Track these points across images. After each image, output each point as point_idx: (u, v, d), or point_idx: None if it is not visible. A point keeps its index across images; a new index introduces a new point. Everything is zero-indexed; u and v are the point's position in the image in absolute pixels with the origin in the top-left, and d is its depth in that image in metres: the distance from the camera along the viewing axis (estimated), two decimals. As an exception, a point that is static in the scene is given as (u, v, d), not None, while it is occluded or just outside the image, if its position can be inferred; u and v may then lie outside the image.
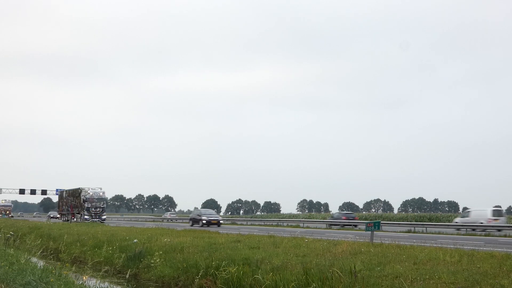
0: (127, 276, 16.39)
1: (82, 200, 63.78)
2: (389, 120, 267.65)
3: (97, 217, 62.60)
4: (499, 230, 36.21)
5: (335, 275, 12.07)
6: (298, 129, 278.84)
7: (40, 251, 19.50)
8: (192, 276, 16.06)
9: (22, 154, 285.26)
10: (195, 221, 53.16)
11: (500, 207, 56.08)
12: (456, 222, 41.99)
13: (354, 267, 12.21)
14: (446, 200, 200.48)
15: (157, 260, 18.61)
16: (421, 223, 45.90)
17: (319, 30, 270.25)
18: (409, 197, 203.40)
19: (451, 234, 33.19)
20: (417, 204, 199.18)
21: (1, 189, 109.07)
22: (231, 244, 20.69)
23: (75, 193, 67.60)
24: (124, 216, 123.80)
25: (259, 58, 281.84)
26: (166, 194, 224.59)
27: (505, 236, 32.09)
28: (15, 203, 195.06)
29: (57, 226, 41.01)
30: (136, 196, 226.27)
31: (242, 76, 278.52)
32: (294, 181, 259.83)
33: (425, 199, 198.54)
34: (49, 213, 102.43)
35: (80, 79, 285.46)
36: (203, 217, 51.55)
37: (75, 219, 66.21)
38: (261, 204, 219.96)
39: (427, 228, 39.12)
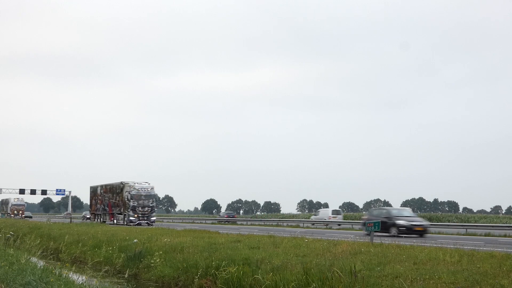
0: (127, 276, 16.40)
1: (126, 197, 51.80)
2: (389, 120, 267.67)
3: (145, 218, 50.71)
4: (339, 225, 52.54)
5: (335, 275, 12.07)
6: (299, 129, 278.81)
7: (40, 251, 19.50)
8: (192, 276, 16.06)
9: (22, 154, 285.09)
10: (384, 226, 28.07)
11: (339, 209, 67.28)
12: (312, 219, 59.92)
13: (354, 267, 12.21)
14: (446, 200, 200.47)
15: (157, 260, 18.61)
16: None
17: (321, 30, 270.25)
18: (409, 197, 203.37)
19: (451, 234, 33.21)
20: (417, 204, 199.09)
21: (1, 189, 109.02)
22: (231, 244, 20.69)
23: (115, 189, 55.50)
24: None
25: (260, 58, 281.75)
26: (166, 194, 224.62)
27: (505, 236, 32.10)
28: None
29: (57, 226, 40.99)
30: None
31: (243, 76, 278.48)
32: (294, 181, 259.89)
33: (425, 199, 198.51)
34: (84, 213, 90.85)
35: (81, 79, 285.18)
36: (400, 221, 30.82)
37: (114, 220, 54.74)
38: (261, 204, 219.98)
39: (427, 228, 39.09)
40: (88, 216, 74.37)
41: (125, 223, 50.20)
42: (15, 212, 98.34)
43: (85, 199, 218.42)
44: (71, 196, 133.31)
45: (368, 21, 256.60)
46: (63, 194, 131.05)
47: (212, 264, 16.04)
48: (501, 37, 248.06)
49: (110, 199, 56.66)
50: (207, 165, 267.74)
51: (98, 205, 61.17)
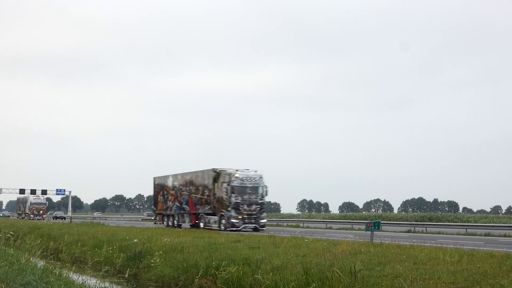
0: (127, 276, 16.41)
1: (224, 191, 35.99)
2: (389, 121, 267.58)
3: (253, 220, 35.76)
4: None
5: (335, 275, 12.08)
6: (299, 129, 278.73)
7: (40, 251, 19.50)
8: (192, 276, 16.07)
9: (22, 154, 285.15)
10: None
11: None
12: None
13: (354, 267, 12.22)
14: (446, 200, 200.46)
15: (157, 260, 18.61)
16: (421, 223, 45.89)
17: (323, 31, 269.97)
18: (409, 197, 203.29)
19: (451, 234, 33.21)
20: (417, 204, 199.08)
21: (1, 189, 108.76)
22: (231, 244, 20.70)
23: (203, 179, 39.06)
24: (124, 216, 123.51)
25: (262, 59, 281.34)
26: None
27: (505, 236, 32.10)
28: (15, 203, 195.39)
29: (57, 226, 41.00)
30: (136, 196, 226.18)
31: (246, 77, 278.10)
32: (294, 181, 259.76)
33: (425, 199, 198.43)
34: (146, 214, 75.96)
35: (82, 79, 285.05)
36: None
37: (201, 224, 38.21)
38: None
39: (427, 228, 39.12)
40: (152, 217, 56.11)
41: (224, 227, 34.95)
42: (35, 212, 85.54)
43: (85, 199, 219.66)
44: (71, 196, 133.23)
45: (370, 22, 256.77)
46: (63, 194, 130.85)
47: (212, 264, 16.05)
48: (502, 37, 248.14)
49: (193, 194, 40.29)
50: (208, 165, 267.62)
51: (170, 203, 43.89)
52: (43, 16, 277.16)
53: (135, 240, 24.18)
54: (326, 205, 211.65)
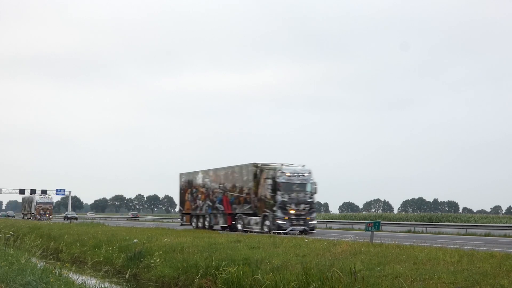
0: (127, 276, 16.40)
1: (268, 188, 31.61)
2: (389, 121, 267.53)
3: (302, 222, 31.65)
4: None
5: (335, 275, 12.07)
6: (299, 129, 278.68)
7: (40, 251, 19.49)
8: (192, 276, 16.07)
9: (22, 154, 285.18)
10: None
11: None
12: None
13: (354, 267, 12.21)
14: (446, 200, 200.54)
15: (157, 260, 18.62)
16: (421, 223, 45.91)
17: (323, 31, 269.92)
18: (409, 197, 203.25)
19: (451, 234, 33.22)
20: (417, 204, 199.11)
21: (1, 189, 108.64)
22: (231, 244, 20.70)
23: (241, 175, 34.63)
24: (124, 216, 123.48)
25: (263, 59, 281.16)
26: (166, 194, 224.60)
27: (505, 236, 32.11)
28: (15, 203, 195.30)
29: (57, 226, 40.99)
30: (136, 196, 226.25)
31: (246, 77, 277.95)
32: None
33: (425, 199, 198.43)
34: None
35: (82, 79, 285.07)
36: None
37: (238, 225, 34.19)
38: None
39: (427, 228, 39.14)
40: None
41: (268, 230, 30.69)
42: (41, 211, 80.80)
43: (85, 199, 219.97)
44: (71, 196, 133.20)
45: (370, 22, 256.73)
46: (63, 194, 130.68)
47: (212, 264, 16.05)
48: (502, 37, 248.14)
49: (228, 192, 35.83)
50: (208, 165, 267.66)
51: (200, 202, 39.19)
52: (43, 16, 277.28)
53: (135, 240, 24.18)
54: (326, 205, 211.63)
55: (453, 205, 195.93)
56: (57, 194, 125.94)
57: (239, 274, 14.48)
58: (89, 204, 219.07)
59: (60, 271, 14.47)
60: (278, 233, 28.54)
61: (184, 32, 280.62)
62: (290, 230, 30.73)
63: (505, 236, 32.10)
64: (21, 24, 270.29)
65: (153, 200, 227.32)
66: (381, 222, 33.37)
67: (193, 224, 39.81)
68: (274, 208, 31.16)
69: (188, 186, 41.23)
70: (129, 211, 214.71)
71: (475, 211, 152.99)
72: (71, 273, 15.25)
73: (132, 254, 20.60)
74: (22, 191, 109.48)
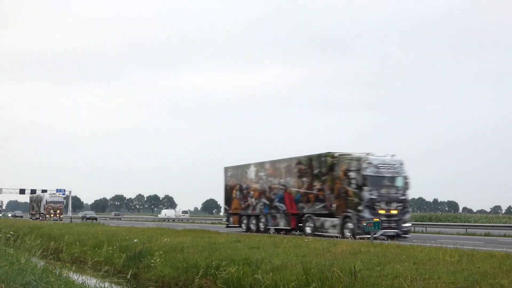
0: (128, 276, 16.41)
1: (353, 183, 26.39)
2: (390, 121, 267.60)
3: (394, 224, 26.19)
4: (188, 220, 71.17)
5: (335, 275, 12.08)
6: (301, 129, 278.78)
7: (40, 251, 19.52)
8: (192, 276, 16.08)
9: (22, 154, 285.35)
10: None
11: (187, 210, 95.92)
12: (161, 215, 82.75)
13: (354, 267, 12.22)
14: (446, 200, 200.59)
15: (157, 260, 18.63)
16: (421, 223, 45.86)
17: (327, 31, 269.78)
18: (409, 196, 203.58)
19: (451, 234, 33.23)
20: (416, 204, 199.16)
21: (1, 189, 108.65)
22: (231, 244, 20.70)
23: (312, 166, 29.21)
24: (124, 216, 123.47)
25: (266, 59, 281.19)
26: (166, 194, 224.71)
27: (505, 236, 32.13)
28: (15, 203, 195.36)
29: (57, 226, 41.00)
30: (136, 196, 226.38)
31: (249, 77, 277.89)
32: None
33: (424, 199, 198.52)
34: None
35: (83, 79, 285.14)
36: None
37: (307, 228, 28.76)
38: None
39: (427, 228, 39.14)
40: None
41: (351, 233, 25.66)
42: (51, 211, 75.36)
43: (85, 199, 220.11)
44: (71, 196, 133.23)
45: (372, 22, 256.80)
46: (63, 194, 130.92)
47: (212, 264, 16.06)
48: (503, 37, 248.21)
49: (291, 188, 30.57)
50: (208, 165, 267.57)
51: (253, 200, 33.95)
52: (44, 16, 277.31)
53: (135, 240, 24.19)
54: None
55: (453, 205, 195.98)
56: (57, 193, 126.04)
57: (239, 274, 14.49)
58: (89, 204, 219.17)
59: (60, 271, 14.49)
60: (364, 238, 23.34)
61: (186, 32, 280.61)
62: (380, 234, 24.62)
63: (505, 236, 32.11)
64: (21, 24, 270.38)
65: (153, 200, 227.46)
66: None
67: (243, 225, 34.74)
68: (360, 208, 25.80)
69: (236, 181, 35.87)
70: (129, 211, 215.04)
71: (475, 211, 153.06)
72: (71, 273, 15.28)
73: (132, 254, 20.61)
74: (22, 191, 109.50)
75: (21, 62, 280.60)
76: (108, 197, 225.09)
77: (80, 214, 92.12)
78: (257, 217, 33.31)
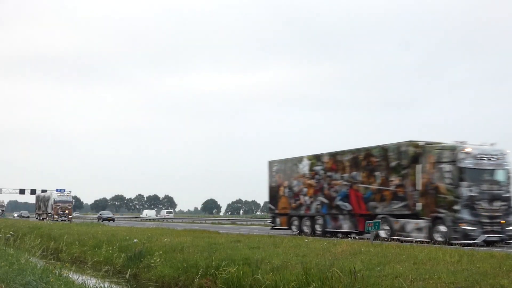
0: (128, 276, 16.41)
1: (447, 177, 22.61)
2: (391, 121, 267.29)
3: (499, 227, 22.19)
4: (172, 220, 75.79)
5: (335, 275, 12.08)
6: (302, 129, 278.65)
7: (40, 251, 19.51)
8: (192, 276, 16.07)
9: (22, 154, 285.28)
10: None
11: (171, 211, 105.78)
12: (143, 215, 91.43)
13: (354, 267, 12.22)
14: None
15: (157, 260, 18.61)
16: None
17: (329, 31, 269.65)
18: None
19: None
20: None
21: (1, 189, 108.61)
22: (231, 244, 20.70)
23: (388, 157, 25.49)
24: (124, 216, 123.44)
25: (268, 59, 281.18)
26: (166, 194, 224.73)
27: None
28: (15, 203, 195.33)
29: (57, 226, 41.01)
30: (136, 196, 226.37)
31: (250, 77, 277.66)
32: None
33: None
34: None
35: (84, 79, 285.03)
36: None
37: (382, 232, 24.57)
38: (261, 204, 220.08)
39: None
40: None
41: (445, 239, 22.09)
42: (59, 211, 71.37)
43: (86, 199, 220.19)
44: (71, 196, 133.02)
45: (373, 22, 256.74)
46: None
47: (212, 264, 16.05)
48: (504, 37, 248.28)
49: (359, 184, 26.83)
50: (208, 165, 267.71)
51: (307, 198, 29.88)
52: (45, 16, 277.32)
53: (135, 240, 24.18)
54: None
55: None
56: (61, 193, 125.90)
57: (239, 274, 14.48)
58: (89, 204, 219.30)
59: (60, 271, 14.48)
60: (463, 244, 20.29)
61: (188, 32, 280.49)
62: (483, 240, 21.55)
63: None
64: (21, 24, 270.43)
65: (153, 200, 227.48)
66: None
67: (294, 228, 30.45)
68: (456, 207, 21.95)
69: (284, 177, 31.77)
70: (129, 211, 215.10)
71: None
72: (71, 273, 15.27)
73: (132, 254, 20.61)
74: (22, 191, 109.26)
75: (21, 62, 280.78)
76: (108, 197, 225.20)
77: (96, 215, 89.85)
78: (312, 218, 29.11)
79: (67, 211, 71.91)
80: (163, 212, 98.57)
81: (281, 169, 32.33)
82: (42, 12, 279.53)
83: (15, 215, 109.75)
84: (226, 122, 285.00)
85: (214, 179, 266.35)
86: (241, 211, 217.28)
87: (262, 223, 61.07)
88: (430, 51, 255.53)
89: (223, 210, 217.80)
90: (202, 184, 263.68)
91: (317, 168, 29.27)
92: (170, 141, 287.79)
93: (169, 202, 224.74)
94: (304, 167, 30.25)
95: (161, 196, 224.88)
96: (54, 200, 73.64)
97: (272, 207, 33.16)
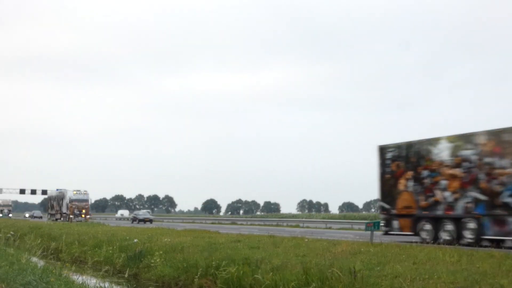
0: (127, 276, 16.44)
1: None
2: (392, 120, 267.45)
3: None
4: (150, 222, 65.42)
5: (334, 275, 12.09)
6: (302, 130, 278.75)
7: (40, 251, 19.54)
8: (192, 275, 16.08)
9: (22, 154, 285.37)
10: None
11: (149, 211, 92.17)
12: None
13: (354, 267, 12.24)
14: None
15: (157, 260, 18.64)
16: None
17: (331, 31, 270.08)
18: None
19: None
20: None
21: (1, 189, 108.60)
22: (231, 244, 20.72)
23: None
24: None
25: (269, 59, 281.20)
26: (166, 194, 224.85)
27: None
28: (15, 203, 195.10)
29: (57, 226, 41.03)
30: (136, 196, 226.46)
31: (252, 77, 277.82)
32: (294, 181, 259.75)
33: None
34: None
35: (84, 80, 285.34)
36: None
37: None
38: (261, 204, 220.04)
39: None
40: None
41: None
42: (76, 211, 66.29)
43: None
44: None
45: (374, 22, 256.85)
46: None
47: (212, 264, 16.06)
48: (504, 37, 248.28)
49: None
50: (209, 165, 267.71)
51: (446, 193, 22.31)
52: (46, 16, 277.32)
53: (135, 240, 24.21)
54: (326, 205, 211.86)
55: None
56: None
57: (239, 274, 14.49)
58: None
59: (60, 271, 14.50)
60: None
61: (188, 32, 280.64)
62: None
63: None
64: (22, 24, 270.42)
65: (153, 200, 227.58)
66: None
67: (424, 233, 23.00)
68: None
69: (405, 166, 24.37)
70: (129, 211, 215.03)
71: None
72: (71, 273, 15.30)
73: (132, 254, 20.63)
74: (22, 191, 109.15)
75: (21, 62, 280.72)
76: (108, 197, 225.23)
77: (128, 215, 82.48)
78: (457, 221, 21.68)
79: (84, 211, 66.93)
80: (141, 212, 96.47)
81: (402, 156, 24.69)
82: (42, 12, 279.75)
83: (27, 215, 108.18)
84: (226, 122, 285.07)
85: (214, 179, 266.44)
86: (241, 211, 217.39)
87: (262, 223, 61.14)
88: (430, 51, 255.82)
89: (223, 210, 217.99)
90: (202, 184, 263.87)
91: (466, 152, 21.67)
92: (170, 141, 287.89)
93: (169, 202, 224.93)
94: (443, 152, 22.74)
95: (161, 196, 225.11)
96: (69, 199, 67.84)
97: (386, 205, 25.40)
